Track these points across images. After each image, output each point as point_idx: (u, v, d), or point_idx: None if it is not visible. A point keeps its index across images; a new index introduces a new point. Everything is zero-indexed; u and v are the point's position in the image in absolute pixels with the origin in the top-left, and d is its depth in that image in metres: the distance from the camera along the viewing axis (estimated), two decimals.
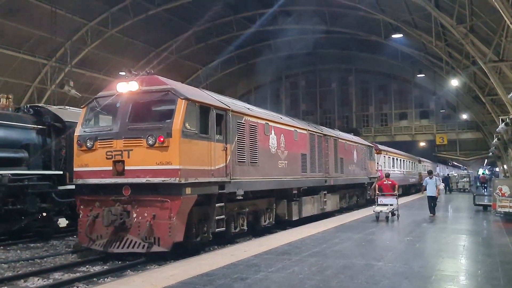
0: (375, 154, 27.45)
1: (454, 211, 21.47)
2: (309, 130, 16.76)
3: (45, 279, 8.57)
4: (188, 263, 8.52)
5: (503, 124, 25.36)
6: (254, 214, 13.22)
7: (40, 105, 16.49)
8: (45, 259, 10.52)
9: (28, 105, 14.64)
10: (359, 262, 8.56)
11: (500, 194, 16.93)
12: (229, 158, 11.11)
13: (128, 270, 9.31)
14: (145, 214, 9.54)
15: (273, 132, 13.71)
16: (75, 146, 10.51)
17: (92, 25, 33.15)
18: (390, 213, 16.10)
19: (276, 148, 13.81)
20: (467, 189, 42.21)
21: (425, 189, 18.28)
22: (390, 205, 16.21)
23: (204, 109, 10.46)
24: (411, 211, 20.31)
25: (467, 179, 44.26)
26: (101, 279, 8.51)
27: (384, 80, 55.66)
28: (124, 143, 9.81)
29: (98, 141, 10.12)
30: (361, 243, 11.08)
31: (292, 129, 15.27)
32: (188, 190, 9.63)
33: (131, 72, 10.59)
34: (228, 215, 11.41)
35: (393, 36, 34.87)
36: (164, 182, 9.43)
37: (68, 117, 13.78)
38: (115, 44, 35.75)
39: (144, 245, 9.45)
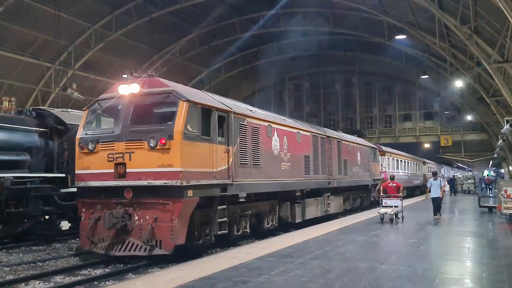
0: (379, 156, 27.35)
1: (459, 213, 21.32)
2: (312, 132, 16.69)
3: (46, 283, 8.52)
4: (189, 266, 8.47)
5: (508, 125, 25.28)
6: (257, 217, 13.14)
7: (42, 107, 16.51)
8: (47, 262, 10.47)
9: (30, 108, 14.61)
10: (362, 265, 8.48)
11: (505, 196, 16.79)
12: (231, 160, 11.04)
13: (130, 273, 9.25)
14: (147, 217, 9.49)
15: (275, 134, 13.64)
16: (77, 148, 10.48)
17: (95, 28, 33.29)
18: (394, 215, 16.02)
19: (279, 150, 13.74)
20: (472, 190, 42.00)
21: (429, 191, 17.54)
22: (395, 207, 16.16)
23: (206, 111, 10.41)
24: (415, 213, 20.19)
25: (472, 181, 44.07)
26: (102, 283, 8.47)
27: (388, 82, 55.50)
28: (125, 146, 9.78)
29: (100, 143, 10.08)
30: (365, 246, 11.01)
31: (295, 131, 15.20)
32: (190, 193, 9.57)
33: (133, 74, 10.59)
34: (230, 217, 11.33)
35: (397, 37, 34.82)
36: (166, 184, 9.37)
37: (70, 120, 13.74)
38: (119, 47, 35.84)
39: (145, 248, 9.39)
